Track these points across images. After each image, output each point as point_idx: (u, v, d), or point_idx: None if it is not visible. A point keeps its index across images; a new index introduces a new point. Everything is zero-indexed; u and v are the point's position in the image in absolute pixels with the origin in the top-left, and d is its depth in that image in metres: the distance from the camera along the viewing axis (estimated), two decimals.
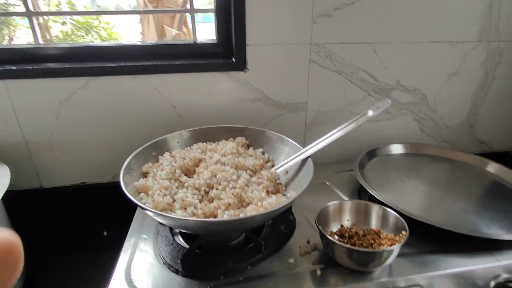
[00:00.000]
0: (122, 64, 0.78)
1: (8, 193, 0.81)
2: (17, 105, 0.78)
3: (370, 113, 0.64)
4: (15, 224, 0.74)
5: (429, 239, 0.60)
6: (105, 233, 0.90)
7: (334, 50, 0.85)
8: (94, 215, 0.90)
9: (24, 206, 0.85)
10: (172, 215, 0.50)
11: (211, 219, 0.52)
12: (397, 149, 0.90)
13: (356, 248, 0.52)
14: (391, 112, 0.95)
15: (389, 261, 0.52)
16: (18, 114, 0.79)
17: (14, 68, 0.74)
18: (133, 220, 0.68)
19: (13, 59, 0.78)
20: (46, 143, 0.82)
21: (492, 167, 0.81)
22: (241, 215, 0.53)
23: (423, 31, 0.86)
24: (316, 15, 0.81)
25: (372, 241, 0.57)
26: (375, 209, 0.60)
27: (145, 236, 0.63)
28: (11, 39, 2.74)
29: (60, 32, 2.80)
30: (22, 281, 0.67)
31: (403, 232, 0.54)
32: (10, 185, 0.84)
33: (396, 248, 0.51)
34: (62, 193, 0.88)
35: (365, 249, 0.52)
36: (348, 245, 0.52)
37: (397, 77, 0.91)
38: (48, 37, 2.52)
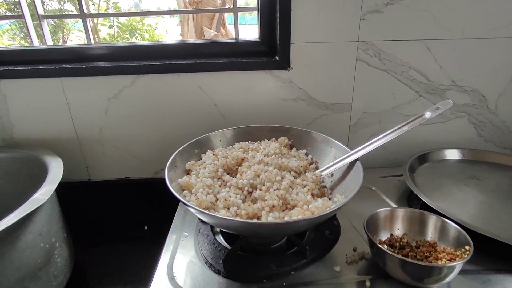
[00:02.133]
0: (167, 62, 0.79)
1: (60, 185, 0.86)
2: (71, 101, 0.82)
3: (428, 114, 0.59)
4: (65, 214, 0.78)
5: (494, 256, 0.54)
6: (146, 228, 0.93)
7: (384, 47, 0.80)
8: (136, 209, 0.93)
9: (74, 197, 0.89)
10: (217, 214, 0.50)
11: (256, 221, 0.50)
12: (452, 154, 0.83)
13: (412, 260, 0.48)
14: (444, 114, 0.88)
15: (449, 278, 0.47)
16: (71, 110, 0.83)
17: (69, 66, 0.78)
18: (174, 217, 0.68)
19: (68, 59, 0.82)
20: (96, 138, 0.86)
21: None
22: (286, 218, 0.51)
23: (485, 25, 0.79)
24: (364, 11, 0.76)
25: (428, 254, 0.52)
26: (432, 220, 0.55)
27: (186, 233, 0.63)
28: (64, 41, 2.95)
29: (107, 35, 2.98)
30: (70, 267, 0.70)
31: (466, 247, 0.49)
32: (62, 177, 0.89)
33: (459, 265, 0.46)
34: (107, 186, 0.92)
35: (423, 263, 0.47)
36: (403, 257, 0.48)
37: (453, 77, 0.84)
38: (97, 39, 2.69)
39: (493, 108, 0.88)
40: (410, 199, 0.72)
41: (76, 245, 0.79)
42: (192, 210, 0.48)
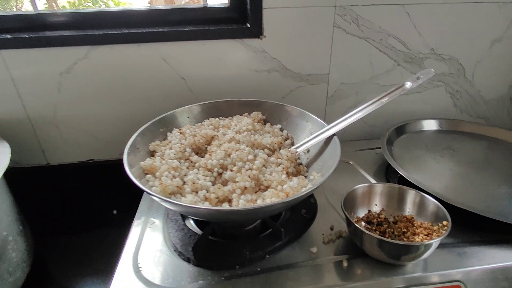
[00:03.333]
0: (126, 31, 0.70)
1: (13, 171, 0.77)
2: (16, 78, 0.72)
3: (408, 85, 0.56)
4: (21, 202, 0.71)
5: (470, 228, 0.54)
6: (114, 212, 0.87)
7: (362, 13, 0.75)
8: (102, 193, 0.86)
9: (32, 184, 0.82)
10: (181, 202, 0.45)
11: (225, 208, 0.46)
12: (429, 125, 0.81)
13: (389, 240, 0.46)
14: (422, 84, 0.84)
15: (426, 255, 0.46)
16: (18, 88, 0.73)
17: (9, 37, 0.68)
18: (140, 202, 0.63)
19: (9, 28, 0.71)
20: (50, 118, 0.77)
21: None
22: (259, 201, 0.47)
23: None
24: None
25: (405, 230, 0.51)
26: (411, 195, 0.53)
27: (154, 219, 0.59)
28: (18, 9, 2.67)
29: (67, 3, 2.72)
30: (29, 261, 0.64)
31: (444, 223, 0.47)
32: (15, 162, 0.81)
33: (436, 242, 0.44)
34: (69, 170, 0.84)
35: (400, 242, 0.45)
36: (380, 236, 0.46)
37: (432, 45, 0.81)
38: (55, 7, 2.44)
39: (469, 77, 0.86)
40: (387, 172, 0.71)
41: (38, 236, 0.72)
42: (155, 198, 0.44)
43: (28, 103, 0.75)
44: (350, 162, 0.75)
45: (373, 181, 0.68)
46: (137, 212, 0.61)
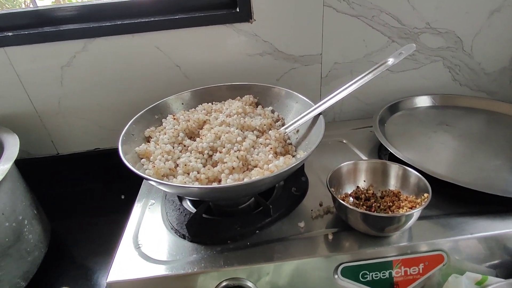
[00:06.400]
0: (119, 22, 0.72)
1: (27, 161, 0.83)
2: (21, 73, 0.76)
3: (391, 61, 0.56)
4: (37, 190, 0.76)
5: (456, 200, 0.55)
6: (122, 197, 0.92)
7: None
8: (111, 180, 0.91)
9: (44, 172, 0.87)
10: (171, 182, 0.48)
11: (211, 185, 0.49)
12: (423, 101, 0.81)
13: (370, 212, 0.48)
14: (418, 60, 0.84)
15: (408, 225, 0.47)
16: (24, 83, 0.77)
17: (10, 34, 0.71)
18: (141, 186, 0.67)
19: (11, 26, 0.75)
20: (56, 110, 0.82)
21: None
22: (246, 180, 0.50)
23: None
24: None
25: (391, 204, 0.52)
26: (394, 169, 0.55)
27: (153, 201, 0.62)
28: (27, 6, 2.72)
29: None
30: (46, 242, 0.70)
31: (425, 194, 0.49)
32: (28, 154, 0.86)
33: (416, 212, 0.46)
34: (78, 159, 0.89)
35: (380, 214, 0.47)
36: (362, 210, 0.48)
37: (427, 19, 0.79)
38: (61, 2, 2.47)
39: (468, 50, 0.84)
40: (380, 150, 0.72)
41: (54, 219, 0.78)
42: (148, 181, 0.47)
43: (34, 97, 0.79)
44: (344, 141, 0.76)
45: (365, 158, 0.69)
46: (138, 195, 0.65)
